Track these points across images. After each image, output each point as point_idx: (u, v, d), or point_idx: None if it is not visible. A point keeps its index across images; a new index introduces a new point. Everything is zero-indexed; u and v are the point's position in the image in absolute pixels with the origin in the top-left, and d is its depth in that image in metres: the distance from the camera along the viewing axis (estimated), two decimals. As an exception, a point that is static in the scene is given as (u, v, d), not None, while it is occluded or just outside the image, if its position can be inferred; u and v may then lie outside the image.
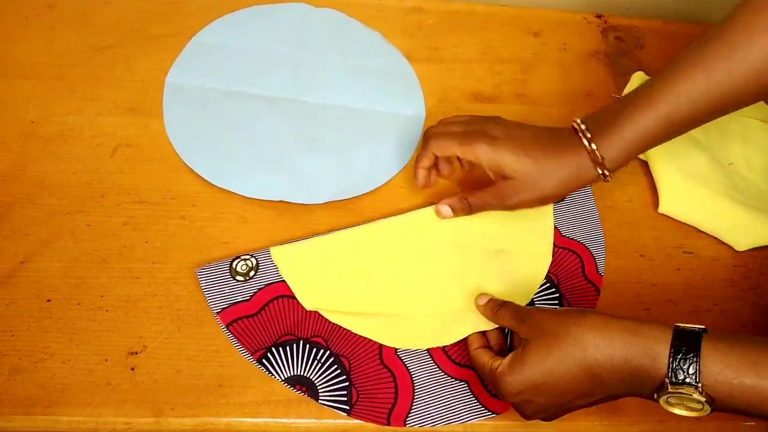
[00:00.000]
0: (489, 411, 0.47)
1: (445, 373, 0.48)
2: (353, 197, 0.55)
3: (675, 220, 0.58)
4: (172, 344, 0.47)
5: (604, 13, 0.73)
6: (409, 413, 0.46)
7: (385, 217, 0.54)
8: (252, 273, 0.50)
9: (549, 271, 0.53)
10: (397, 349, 0.49)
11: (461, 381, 0.48)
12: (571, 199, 0.57)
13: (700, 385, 0.37)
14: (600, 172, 0.47)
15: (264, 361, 0.47)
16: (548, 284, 0.53)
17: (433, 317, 0.50)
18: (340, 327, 0.49)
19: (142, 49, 0.61)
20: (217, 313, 0.48)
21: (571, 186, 0.48)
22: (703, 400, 0.37)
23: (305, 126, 0.59)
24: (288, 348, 0.48)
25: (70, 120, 0.56)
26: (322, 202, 0.54)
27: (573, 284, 0.53)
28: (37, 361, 0.45)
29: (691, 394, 0.37)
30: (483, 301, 0.49)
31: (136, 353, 0.46)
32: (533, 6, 0.72)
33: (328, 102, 0.61)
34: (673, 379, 0.37)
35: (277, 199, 0.54)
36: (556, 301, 0.52)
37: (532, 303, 0.52)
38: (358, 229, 0.53)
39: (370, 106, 0.61)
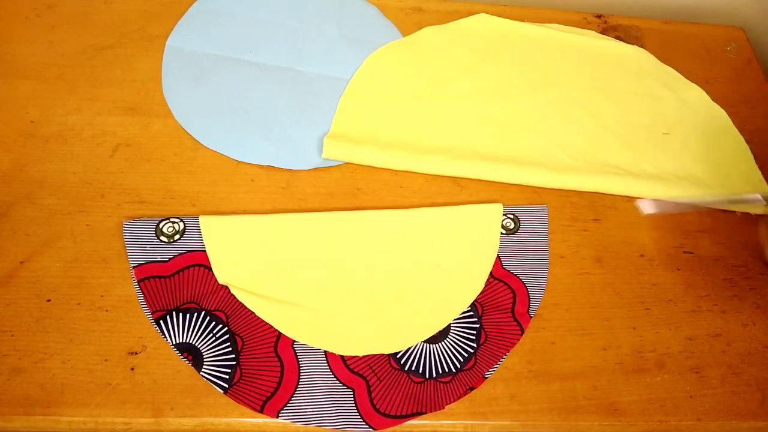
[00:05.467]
0: (367, 425, 0.46)
1: (335, 376, 0.47)
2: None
3: (675, 220, 0.58)
4: (172, 344, 0.47)
5: (604, 13, 0.73)
6: (285, 406, 0.46)
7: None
8: (177, 237, 0.51)
9: (476, 300, 0.51)
10: (294, 342, 0.48)
11: (348, 388, 0.47)
12: (523, 233, 0.55)
13: None
14: None
15: (161, 322, 0.47)
16: (471, 312, 0.51)
17: (339, 320, 0.49)
18: (245, 307, 0.49)
19: (142, 49, 0.61)
20: (133, 267, 0.49)
21: None
22: None
23: (298, 94, 0.60)
24: (188, 315, 0.48)
25: (70, 120, 0.56)
26: (308, 168, 0.56)
27: (496, 318, 0.51)
28: (37, 361, 0.45)
29: None
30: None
31: (136, 353, 0.46)
32: (533, 6, 0.72)
33: (321, 72, 0.62)
34: None
35: (265, 164, 0.56)
36: (474, 332, 0.50)
37: (448, 328, 0.50)
38: (292, 216, 0.53)
39: None
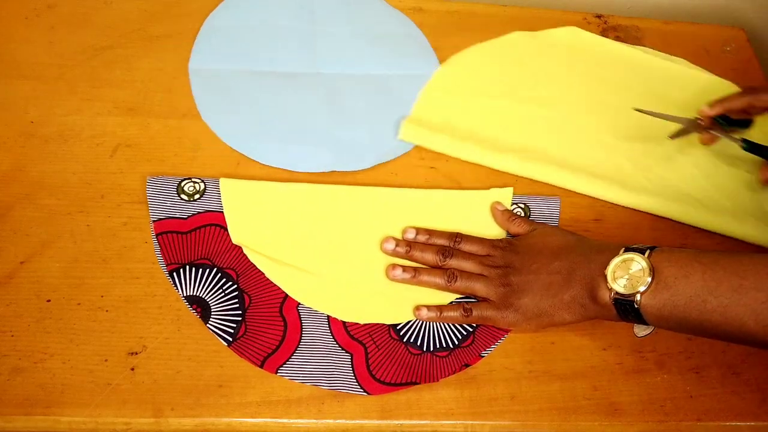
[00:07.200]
0: (361, 389, 0.47)
1: (335, 340, 0.49)
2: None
3: (675, 220, 0.58)
4: (172, 344, 0.47)
5: (604, 13, 0.73)
6: (284, 363, 0.47)
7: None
8: (197, 196, 0.53)
9: None
10: (299, 305, 0.50)
11: (347, 352, 0.48)
12: (536, 213, 0.56)
13: (647, 252, 0.44)
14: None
15: (174, 274, 0.49)
16: None
17: (345, 287, 0.51)
18: (255, 267, 0.50)
19: (142, 49, 0.61)
20: (153, 221, 0.51)
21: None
22: (647, 266, 0.43)
23: (330, 97, 0.61)
24: (200, 270, 0.50)
25: (70, 120, 0.56)
26: (368, 167, 0.57)
27: None
28: (37, 361, 0.45)
29: (636, 259, 0.44)
30: (500, 207, 0.55)
31: (136, 353, 0.46)
32: (533, 6, 0.72)
33: (347, 72, 0.63)
34: (625, 249, 0.45)
35: (329, 170, 0.56)
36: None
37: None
38: (310, 186, 0.55)
39: (385, 71, 0.63)
